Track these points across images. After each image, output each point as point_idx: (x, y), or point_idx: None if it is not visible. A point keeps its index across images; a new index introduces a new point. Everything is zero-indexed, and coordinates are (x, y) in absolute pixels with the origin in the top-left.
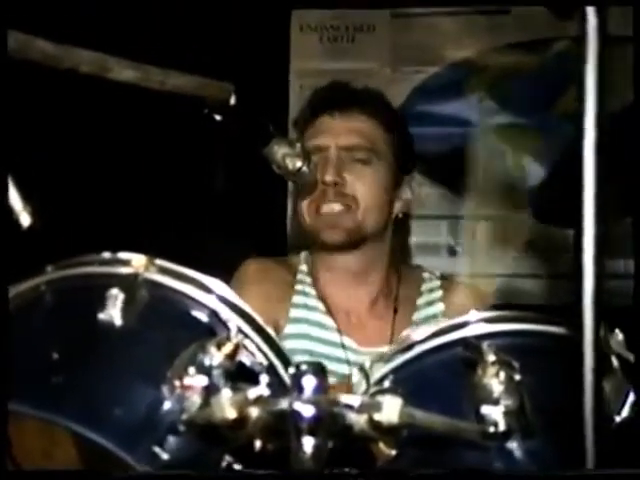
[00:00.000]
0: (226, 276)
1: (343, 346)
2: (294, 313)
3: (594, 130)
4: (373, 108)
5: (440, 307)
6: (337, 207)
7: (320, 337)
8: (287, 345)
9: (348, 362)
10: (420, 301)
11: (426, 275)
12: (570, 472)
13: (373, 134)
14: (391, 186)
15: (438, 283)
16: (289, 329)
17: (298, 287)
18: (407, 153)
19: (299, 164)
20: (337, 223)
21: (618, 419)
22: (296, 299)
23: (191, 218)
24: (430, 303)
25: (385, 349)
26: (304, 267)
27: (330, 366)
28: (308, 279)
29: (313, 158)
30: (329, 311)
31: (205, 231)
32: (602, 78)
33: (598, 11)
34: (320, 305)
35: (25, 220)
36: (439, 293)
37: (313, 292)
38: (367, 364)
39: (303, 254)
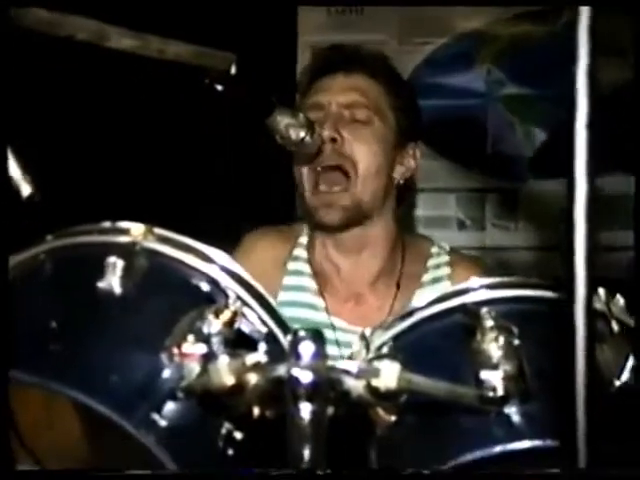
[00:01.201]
0: (232, 249)
1: (332, 326)
2: (283, 296)
3: (586, 106)
4: (375, 69)
5: (446, 286)
6: (335, 186)
7: (309, 319)
8: None
9: (337, 343)
10: (425, 278)
11: (434, 250)
12: (568, 471)
13: (374, 94)
14: (392, 150)
15: (446, 258)
16: None
17: (291, 266)
18: (411, 119)
19: (302, 134)
20: (334, 202)
21: (618, 383)
22: (287, 280)
23: (193, 190)
24: (436, 280)
25: None
26: (304, 239)
27: None
28: (304, 254)
29: (312, 116)
30: (320, 291)
31: (209, 204)
32: (594, 55)
33: None
34: (312, 284)
35: (25, 190)
36: (446, 270)
37: (307, 270)
38: (368, 332)
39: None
